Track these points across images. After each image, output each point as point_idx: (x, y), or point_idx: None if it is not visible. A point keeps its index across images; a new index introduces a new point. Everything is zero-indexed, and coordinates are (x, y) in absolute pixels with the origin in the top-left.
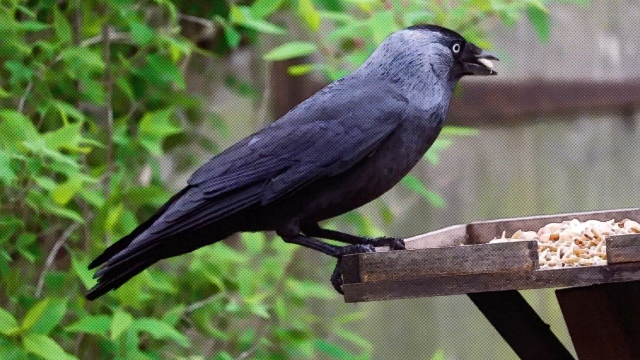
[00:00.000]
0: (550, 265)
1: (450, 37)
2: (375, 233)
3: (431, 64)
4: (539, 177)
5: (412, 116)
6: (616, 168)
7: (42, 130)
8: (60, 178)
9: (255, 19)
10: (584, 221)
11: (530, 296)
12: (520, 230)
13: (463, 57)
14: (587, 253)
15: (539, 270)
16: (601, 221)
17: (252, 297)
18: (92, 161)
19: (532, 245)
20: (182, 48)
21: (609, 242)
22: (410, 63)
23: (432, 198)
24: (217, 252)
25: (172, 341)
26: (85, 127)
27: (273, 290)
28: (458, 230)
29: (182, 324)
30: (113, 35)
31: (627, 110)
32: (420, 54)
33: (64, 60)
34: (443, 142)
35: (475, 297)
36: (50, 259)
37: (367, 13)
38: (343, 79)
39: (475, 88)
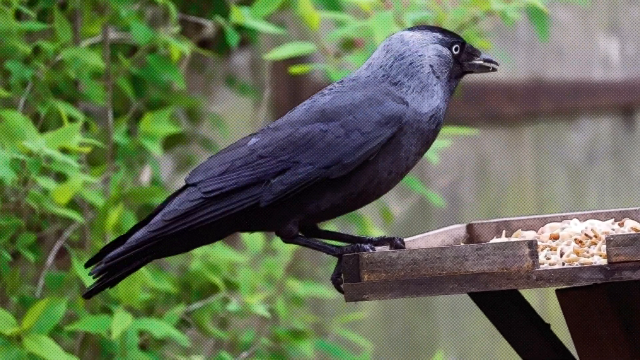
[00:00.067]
0: (550, 264)
1: (450, 38)
2: (376, 233)
3: (431, 65)
4: (539, 177)
5: (412, 119)
6: (616, 168)
7: (42, 130)
8: (61, 178)
9: (255, 18)
10: (584, 220)
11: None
12: (520, 230)
13: (462, 58)
14: (587, 252)
15: (539, 269)
16: (601, 220)
17: (253, 297)
18: (92, 161)
19: (532, 245)
20: (182, 48)
21: (609, 241)
22: (410, 64)
23: (432, 198)
24: (218, 252)
25: (172, 341)
26: (86, 126)
27: (273, 290)
28: (458, 229)
29: (182, 324)
30: (113, 35)
31: (627, 110)
32: (420, 55)
33: (64, 60)
34: (443, 142)
35: (476, 297)
36: (50, 259)
37: (367, 13)
38: (343, 81)
39: (475, 88)
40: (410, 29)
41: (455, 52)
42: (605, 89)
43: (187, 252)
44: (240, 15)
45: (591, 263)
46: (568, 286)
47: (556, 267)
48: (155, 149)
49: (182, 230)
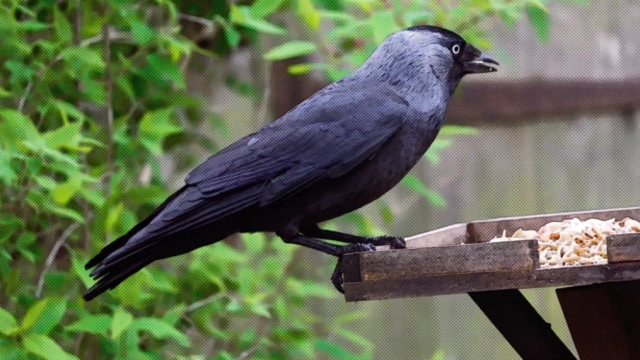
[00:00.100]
0: (551, 264)
1: (450, 38)
2: (376, 233)
3: (431, 65)
4: (539, 177)
5: (412, 119)
6: (616, 168)
7: (43, 129)
8: (61, 177)
9: (255, 18)
10: (585, 220)
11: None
12: (520, 229)
13: (462, 58)
14: (588, 252)
15: (540, 269)
16: (602, 220)
17: (253, 297)
18: (92, 161)
19: (532, 244)
20: (182, 48)
21: (609, 241)
22: (410, 64)
23: (432, 198)
24: (218, 252)
25: (172, 341)
26: (86, 126)
27: (273, 289)
28: (459, 229)
29: (182, 324)
30: (113, 34)
31: (627, 110)
32: (420, 55)
33: (64, 60)
34: (443, 142)
35: (476, 296)
36: (50, 259)
37: (367, 13)
38: (342, 81)
39: (475, 88)
40: (410, 29)
41: (455, 52)
42: (605, 89)
43: (187, 252)
44: (240, 15)
45: (592, 263)
46: (568, 286)
47: (557, 266)
48: (155, 148)
49: (183, 231)
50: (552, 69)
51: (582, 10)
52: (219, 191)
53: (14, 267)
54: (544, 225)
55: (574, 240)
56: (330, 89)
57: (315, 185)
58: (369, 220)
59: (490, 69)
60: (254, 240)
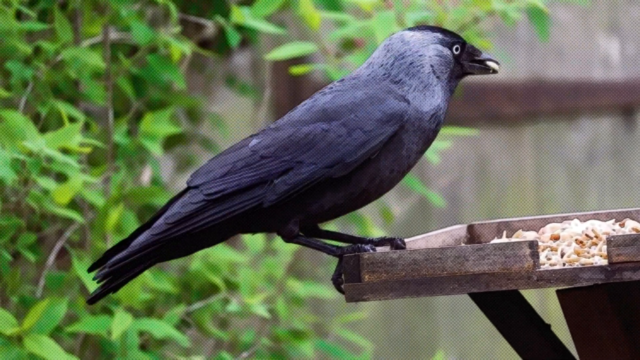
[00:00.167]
0: (551, 265)
1: (451, 38)
2: (376, 233)
3: (432, 65)
4: (539, 177)
5: (413, 117)
6: (616, 168)
7: (43, 130)
8: (61, 178)
9: (255, 19)
10: (585, 221)
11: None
12: (521, 230)
13: (463, 58)
14: (588, 253)
15: (540, 269)
16: (602, 221)
17: (253, 297)
18: (92, 161)
19: (533, 245)
20: (183, 48)
21: (609, 241)
22: (411, 64)
23: (432, 198)
24: (218, 252)
25: (172, 341)
26: (86, 127)
27: (273, 290)
28: (459, 230)
29: (182, 324)
30: (113, 35)
31: (627, 110)
32: (420, 55)
33: (64, 60)
34: (443, 142)
35: (476, 297)
36: (50, 259)
37: (368, 13)
38: (343, 80)
39: (475, 88)
40: (411, 29)
41: (455, 52)
42: (605, 89)
43: (189, 255)
44: (241, 15)
45: (592, 263)
46: (569, 286)
47: (557, 267)
48: (155, 149)
49: (185, 234)
50: (552, 69)
51: (582, 10)
52: (222, 193)
53: (15, 267)
54: (544, 226)
55: (574, 241)
56: (331, 88)
57: (317, 185)
58: (369, 221)
59: (491, 71)
60: (255, 240)
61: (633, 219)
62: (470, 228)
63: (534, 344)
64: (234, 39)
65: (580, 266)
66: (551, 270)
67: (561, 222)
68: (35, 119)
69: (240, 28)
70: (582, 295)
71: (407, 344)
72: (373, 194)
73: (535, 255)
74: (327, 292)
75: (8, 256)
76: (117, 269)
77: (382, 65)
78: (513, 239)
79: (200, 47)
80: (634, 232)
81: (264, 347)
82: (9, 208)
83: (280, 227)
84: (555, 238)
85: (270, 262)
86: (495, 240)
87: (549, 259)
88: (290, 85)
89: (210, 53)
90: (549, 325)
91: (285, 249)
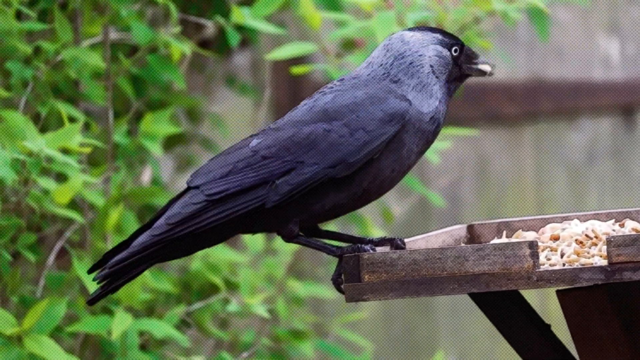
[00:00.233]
0: (551, 265)
1: (450, 39)
2: (376, 233)
3: (431, 65)
4: (539, 177)
5: (414, 117)
6: (616, 168)
7: (43, 130)
8: (61, 178)
9: (255, 19)
10: (585, 221)
11: (530, 296)
12: (521, 230)
13: (461, 60)
14: (588, 253)
15: (540, 270)
16: (602, 221)
17: (253, 297)
18: (92, 161)
19: (532, 245)
20: (183, 48)
21: (609, 242)
22: (410, 64)
23: (432, 198)
24: (218, 252)
25: (172, 341)
26: (86, 127)
27: (274, 290)
28: (459, 230)
29: (182, 324)
30: (113, 35)
31: (627, 110)
32: (420, 55)
33: (64, 60)
34: (443, 143)
35: (476, 297)
36: (50, 259)
37: (368, 13)
38: (343, 79)
39: (475, 88)
40: (411, 29)
41: (454, 54)
42: (605, 89)
43: (189, 256)
44: (241, 15)
45: (592, 264)
46: (569, 287)
47: (557, 267)
48: (155, 149)
49: (186, 234)
50: (552, 69)
51: (582, 10)
52: (223, 193)
53: (15, 267)
54: (544, 226)
55: (574, 241)
56: (331, 88)
57: (319, 186)
58: (369, 221)
59: (488, 74)
60: (255, 240)
61: (633, 219)
62: (470, 228)
63: (534, 344)
64: (234, 39)
65: (580, 266)
66: (551, 270)
67: (561, 222)
68: (35, 119)
69: (240, 28)
70: (582, 295)
71: (407, 344)
72: (374, 194)
73: (535, 255)
74: (327, 292)
75: (8, 256)
76: (118, 270)
77: (381, 65)
78: (513, 239)
79: (200, 47)
80: (633, 233)
81: (264, 347)
82: (9, 208)
83: (280, 227)
84: (555, 238)
85: (270, 262)
86: (495, 241)
87: (549, 259)
88: (290, 85)
89: (210, 53)
90: (549, 326)
91: (286, 249)
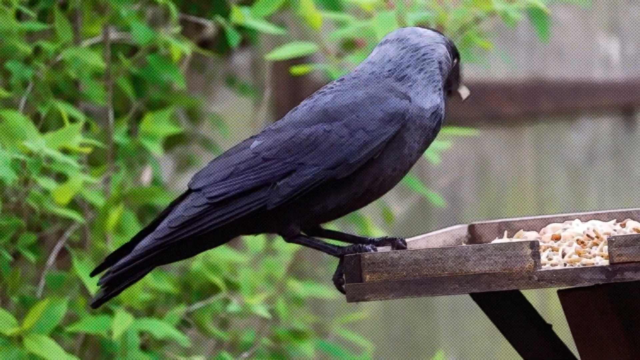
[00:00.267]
0: (552, 265)
1: (453, 49)
2: (376, 233)
3: (439, 62)
4: (539, 177)
5: (414, 115)
6: (616, 168)
7: (43, 130)
8: (61, 178)
9: (255, 19)
10: (586, 221)
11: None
12: (522, 230)
13: (452, 74)
14: (589, 253)
15: (541, 270)
16: (603, 221)
17: (253, 297)
18: (92, 161)
19: (534, 245)
20: (183, 48)
21: (611, 242)
22: (423, 55)
23: (432, 198)
24: (218, 252)
25: (173, 341)
26: (86, 127)
27: (274, 290)
28: (460, 230)
29: (183, 324)
30: (113, 35)
31: (628, 110)
32: (432, 49)
33: (64, 60)
34: (443, 143)
35: (477, 297)
36: (51, 259)
37: (369, 13)
38: (343, 79)
39: (475, 88)
40: (421, 27)
41: (453, 63)
42: (605, 89)
43: (190, 258)
44: (241, 15)
45: (593, 264)
46: (570, 287)
47: (558, 267)
48: (155, 149)
49: (189, 237)
50: (552, 69)
51: (582, 10)
52: (225, 196)
53: (15, 267)
54: (545, 226)
55: (575, 241)
56: (331, 88)
57: (321, 187)
58: (370, 221)
59: (463, 100)
60: (255, 240)
61: (634, 219)
62: (471, 228)
63: (534, 344)
64: (234, 39)
65: (581, 266)
66: (552, 270)
67: (562, 222)
68: (35, 119)
69: (240, 28)
70: (583, 295)
71: (407, 344)
72: (375, 193)
73: (536, 255)
74: (328, 292)
75: (8, 256)
76: (121, 274)
77: (390, 60)
78: (514, 239)
79: (200, 47)
80: (635, 233)
81: (264, 347)
82: (9, 208)
83: (282, 228)
84: (557, 238)
85: (270, 262)
86: (496, 241)
87: (550, 259)
88: (290, 85)
89: (210, 53)
90: (550, 325)
91: (286, 249)
